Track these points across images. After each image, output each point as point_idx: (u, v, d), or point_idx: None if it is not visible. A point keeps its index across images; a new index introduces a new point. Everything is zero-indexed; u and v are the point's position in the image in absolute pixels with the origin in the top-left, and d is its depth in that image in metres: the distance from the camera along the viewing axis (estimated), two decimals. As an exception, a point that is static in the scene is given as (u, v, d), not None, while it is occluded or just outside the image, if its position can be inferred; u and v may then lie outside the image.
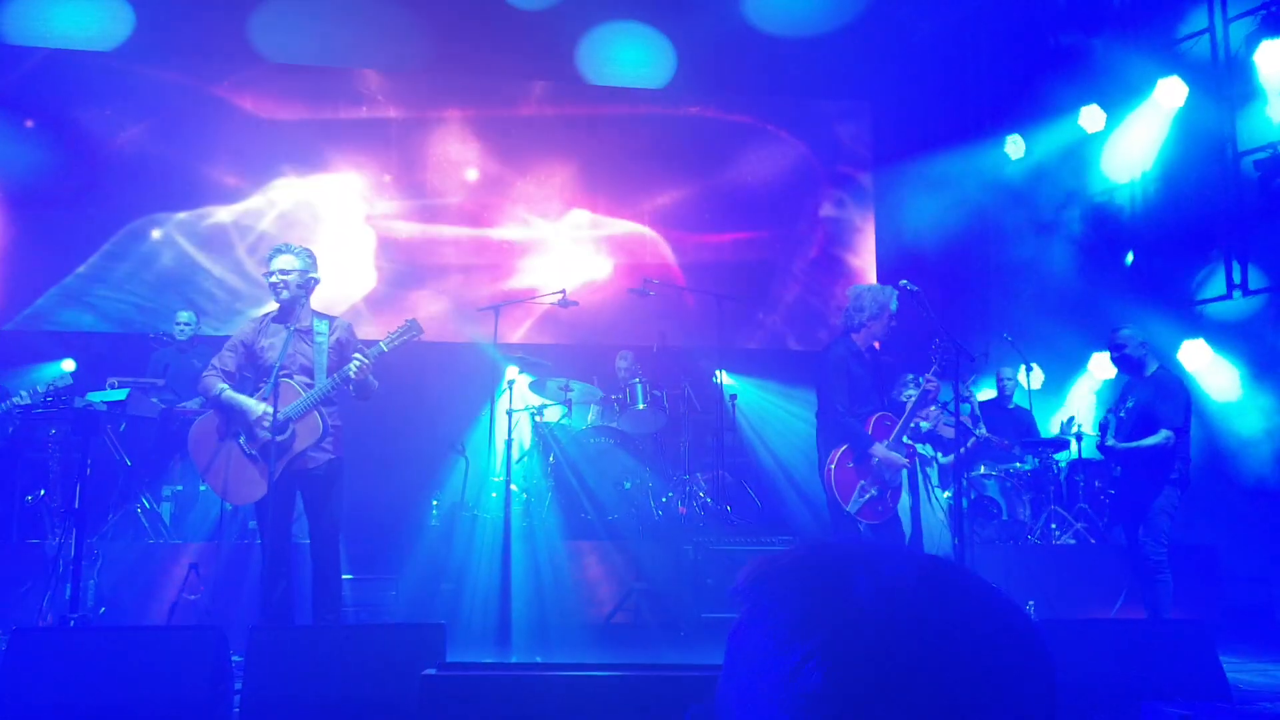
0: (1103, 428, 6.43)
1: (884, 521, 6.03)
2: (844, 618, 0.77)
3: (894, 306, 6.12)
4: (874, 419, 6.03)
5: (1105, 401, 9.28)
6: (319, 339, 5.42)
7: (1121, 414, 6.40)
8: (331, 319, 5.57)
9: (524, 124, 10.61)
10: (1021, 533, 8.09)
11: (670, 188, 10.80)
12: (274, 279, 5.40)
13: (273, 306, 5.58)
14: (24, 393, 6.45)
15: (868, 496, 5.92)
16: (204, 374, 5.50)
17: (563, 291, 8.06)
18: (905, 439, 6.12)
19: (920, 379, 6.36)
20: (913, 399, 6.18)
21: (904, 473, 7.62)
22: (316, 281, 5.55)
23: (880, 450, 5.92)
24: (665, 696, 3.54)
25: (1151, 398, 6.30)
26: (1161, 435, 6.19)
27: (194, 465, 5.62)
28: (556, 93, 10.78)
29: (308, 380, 5.36)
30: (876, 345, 6.24)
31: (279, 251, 5.49)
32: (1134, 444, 6.26)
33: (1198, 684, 4.13)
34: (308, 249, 5.57)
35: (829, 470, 5.95)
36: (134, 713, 3.93)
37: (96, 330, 9.47)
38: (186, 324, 8.22)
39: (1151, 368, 6.44)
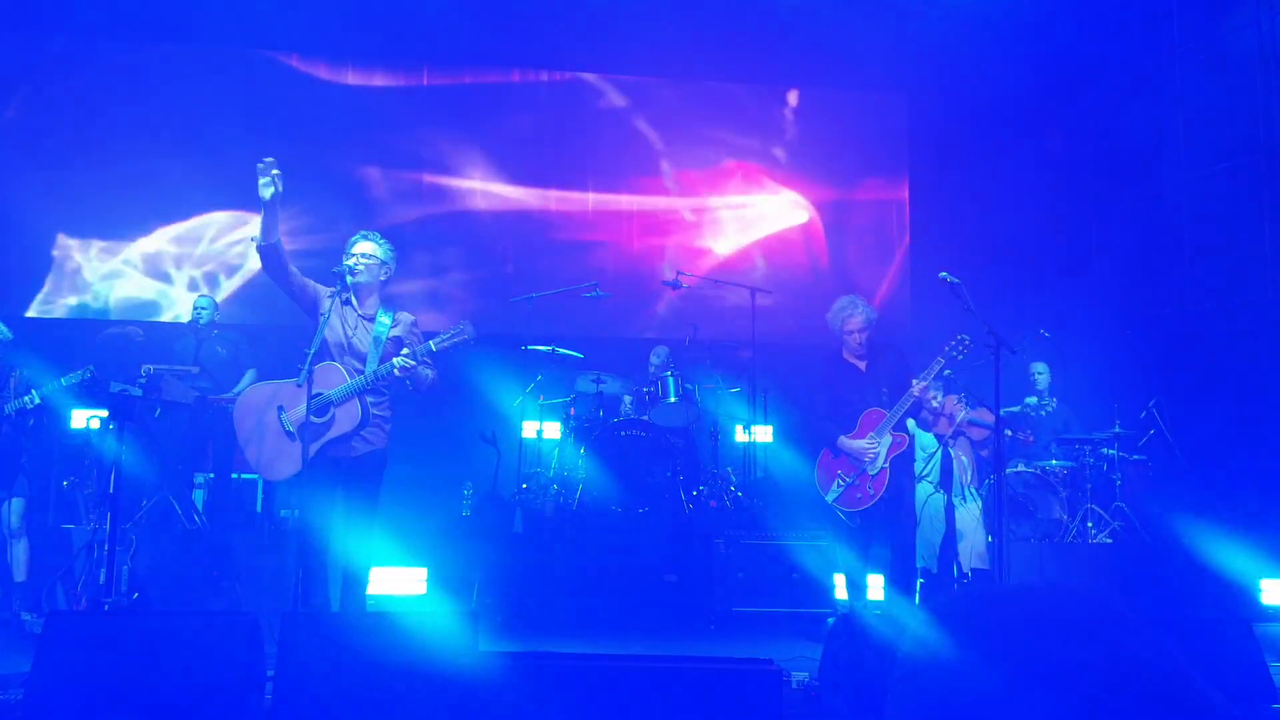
0: None
1: (867, 509, 6.18)
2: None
3: (850, 322, 6.32)
4: (864, 415, 6.24)
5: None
6: (379, 329, 5.43)
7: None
8: (396, 312, 5.58)
9: (544, 110, 10.60)
10: (1057, 531, 7.99)
11: (702, 177, 10.75)
12: (351, 260, 5.41)
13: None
14: (35, 393, 6.48)
15: (843, 487, 6.19)
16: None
17: (595, 283, 8.04)
18: (911, 426, 6.34)
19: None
20: (905, 401, 6.22)
21: (937, 470, 7.55)
22: (389, 275, 5.57)
23: (846, 443, 6.19)
24: (695, 688, 3.51)
25: None
26: None
27: (236, 435, 5.61)
28: (578, 78, 10.76)
29: (358, 365, 5.38)
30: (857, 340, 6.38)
31: (363, 237, 5.52)
32: None
33: (1243, 685, 4.05)
34: (388, 242, 5.58)
35: (817, 465, 6.35)
36: (168, 698, 3.93)
37: (129, 319, 9.54)
38: (204, 309, 8.23)
39: None
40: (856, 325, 6.31)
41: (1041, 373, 8.92)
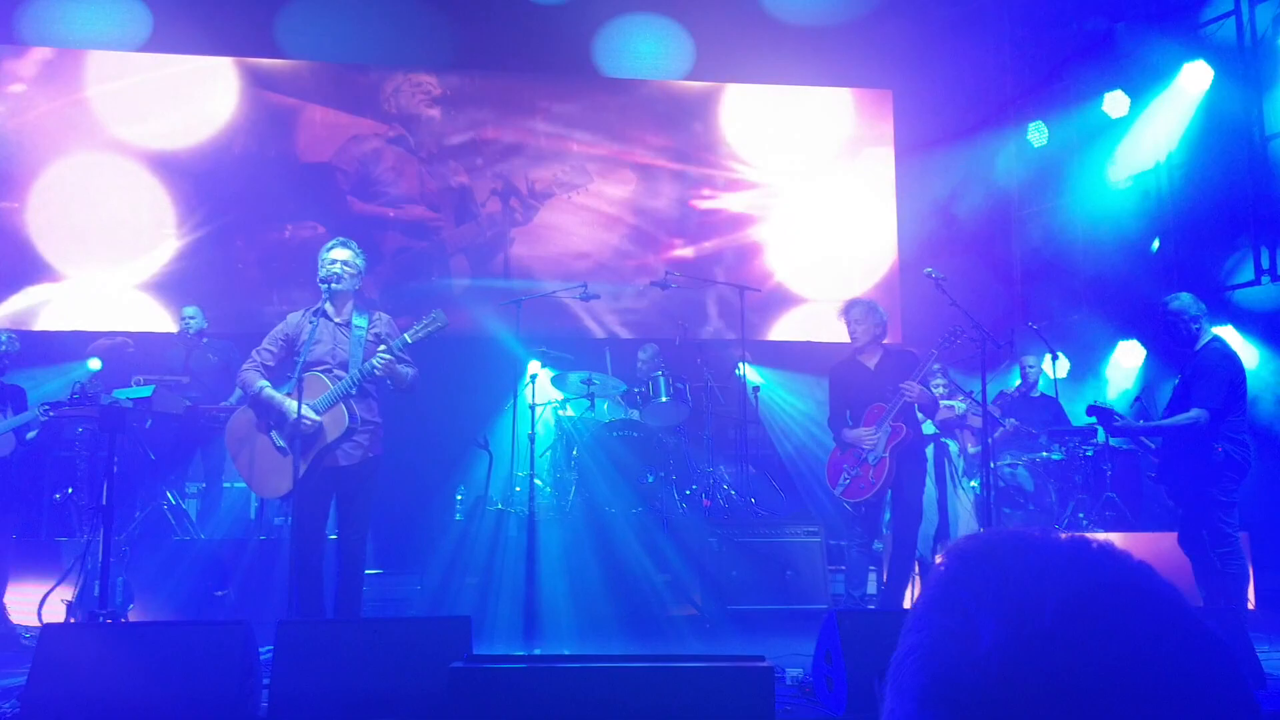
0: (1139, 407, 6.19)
1: (869, 499, 6.48)
2: (1009, 611, 0.74)
3: (879, 329, 6.55)
4: (868, 410, 6.51)
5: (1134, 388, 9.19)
6: (357, 333, 5.46)
7: (1169, 393, 6.19)
8: (371, 314, 5.60)
9: (536, 113, 10.61)
10: (1048, 522, 8.02)
11: (688, 178, 10.76)
12: (335, 268, 5.43)
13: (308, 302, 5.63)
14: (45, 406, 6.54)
15: (849, 479, 6.48)
16: (244, 367, 5.54)
17: (584, 285, 8.04)
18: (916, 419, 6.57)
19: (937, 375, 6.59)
20: (899, 399, 6.38)
21: (930, 462, 7.59)
22: (361, 280, 5.62)
23: (848, 434, 6.52)
24: (690, 689, 3.52)
25: (1191, 375, 5.98)
26: (1190, 414, 5.83)
27: (229, 457, 5.66)
28: (570, 83, 10.77)
29: (342, 374, 5.40)
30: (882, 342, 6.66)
31: (339, 244, 5.56)
32: (1157, 423, 6.02)
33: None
34: (360, 249, 5.61)
35: (828, 462, 6.76)
36: (163, 708, 3.94)
37: (121, 329, 9.52)
38: (191, 318, 8.23)
39: (1202, 341, 6.03)
40: (859, 318, 6.57)
41: (1033, 366, 8.96)
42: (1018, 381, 9.11)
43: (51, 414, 6.53)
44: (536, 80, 10.70)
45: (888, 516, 6.87)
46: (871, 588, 6.97)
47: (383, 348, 5.31)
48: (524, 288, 9.58)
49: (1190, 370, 6.00)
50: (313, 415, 5.25)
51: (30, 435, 6.68)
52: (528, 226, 10.44)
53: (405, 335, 5.37)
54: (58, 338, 9.30)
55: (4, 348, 6.80)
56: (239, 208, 9.91)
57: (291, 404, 5.28)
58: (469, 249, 10.30)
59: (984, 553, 0.80)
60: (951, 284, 6.40)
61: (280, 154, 10.12)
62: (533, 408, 7.32)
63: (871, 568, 7.02)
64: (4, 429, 6.55)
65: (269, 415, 5.41)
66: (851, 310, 6.63)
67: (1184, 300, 6.10)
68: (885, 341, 6.80)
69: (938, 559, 0.89)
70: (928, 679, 0.75)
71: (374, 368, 5.27)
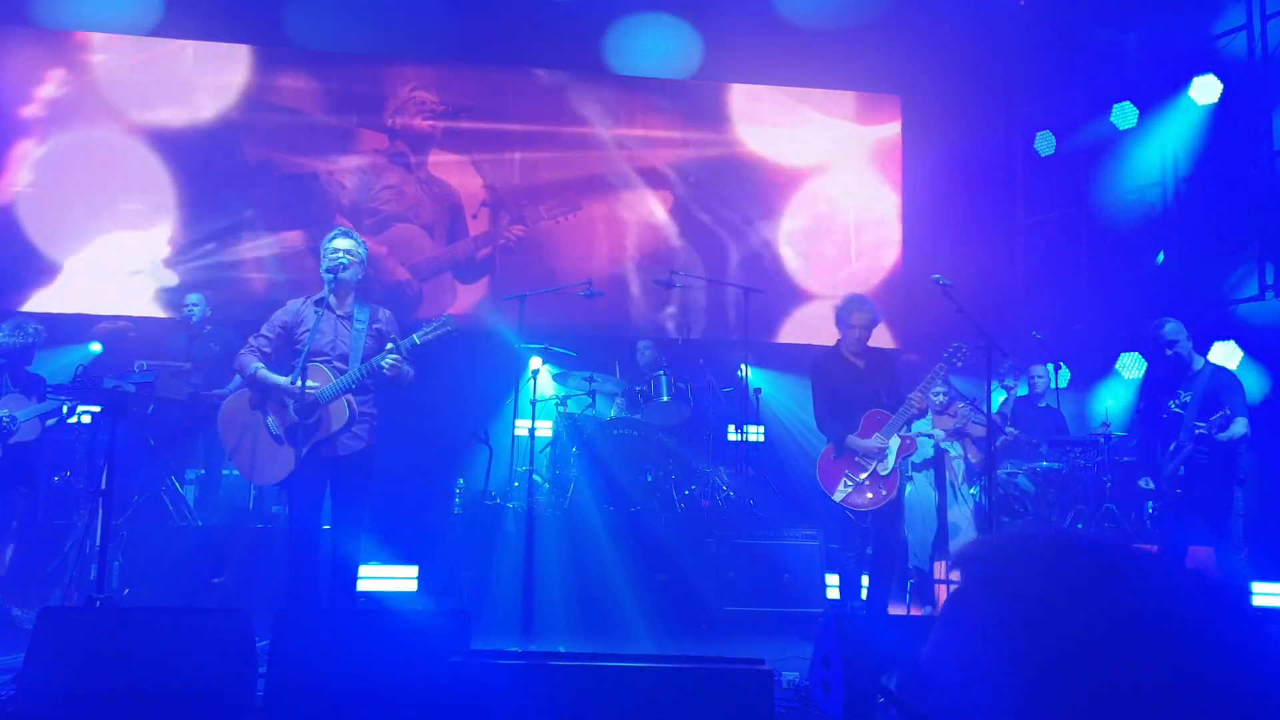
0: (1218, 423, 5.98)
1: (875, 510, 6.24)
2: (1070, 649, 0.70)
3: (855, 317, 6.37)
4: (865, 416, 6.29)
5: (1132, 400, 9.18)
6: (358, 326, 5.44)
7: (1176, 409, 6.20)
8: (374, 308, 5.59)
9: (541, 114, 10.61)
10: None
11: (691, 179, 10.75)
12: (339, 257, 5.42)
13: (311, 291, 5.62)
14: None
15: (851, 486, 6.23)
16: (241, 352, 5.53)
17: (589, 282, 8.02)
18: (905, 431, 6.33)
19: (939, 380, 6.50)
20: (907, 409, 6.27)
21: (930, 469, 7.57)
22: (363, 272, 5.61)
23: (855, 442, 6.23)
24: (686, 689, 3.52)
25: (1214, 390, 6.07)
26: (1245, 423, 5.96)
27: (221, 443, 5.64)
28: (576, 82, 10.76)
29: (342, 366, 5.38)
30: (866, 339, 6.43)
31: (342, 234, 5.56)
32: (1228, 434, 5.97)
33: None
34: (361, 239, 5.60)
35: (818, 465, 6.41)
36: (158, 695, 3.93)
37: (124, 314, 9.52)
38: (195, 304, 8.22)
39: (1199, 362, 6.29)
40: (861, 321, 6.36)
41: (1041, 376, 8.95)
42: (1025, 391, 9.09)
43: (74, 405, 6.58)
44: (539, 78, 10.68)
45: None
46: (866, 594, 6.93)
47: (390, 345, 5.30)
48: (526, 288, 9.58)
49: (1204, 386, 6.13)
50: (315, 383, 5.23)
51: (50, 423, 6.72)
52: (522, 241, 10.39)
53: (414, 337, 5.36)
54: (58, 320, 9.28)
55: (31, 338, 6.83)
56: (243, 199, 9.90)
57: (290, 387, 5.27)
58: (459, 265, 10.26)
59: (1025, 563, 0.77)
60: (955, 290, 6.38)
61: (280, 156, 10.11)
62: (534, 403, 7.32)
63: (867, 573, 6.97)
64: (30, 415, 6.58)
65: (265, 400, 5.39)
66: (858, 312, 6.37)
67: (1177, 325, 6.34)
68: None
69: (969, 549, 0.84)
70: (1033, 691, 0.73)
71: (382, 367, 5.25)
